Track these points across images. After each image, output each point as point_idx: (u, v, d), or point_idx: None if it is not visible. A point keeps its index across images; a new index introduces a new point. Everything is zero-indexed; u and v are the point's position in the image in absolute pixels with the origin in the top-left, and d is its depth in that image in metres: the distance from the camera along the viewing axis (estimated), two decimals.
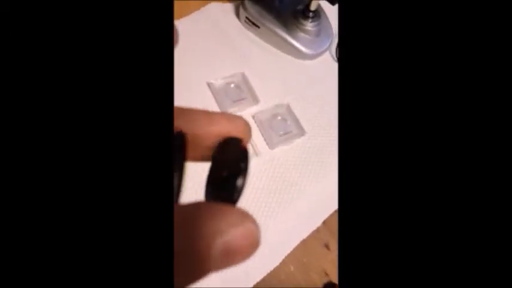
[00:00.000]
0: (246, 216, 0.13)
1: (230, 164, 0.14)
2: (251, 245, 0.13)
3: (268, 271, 0.43)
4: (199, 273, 0.12)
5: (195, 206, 0.12)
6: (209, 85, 0.52)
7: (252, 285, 0.42)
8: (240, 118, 0.16)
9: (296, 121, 0.51)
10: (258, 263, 0.44)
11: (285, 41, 0.56)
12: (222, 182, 0.14)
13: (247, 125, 0.16)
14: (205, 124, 0.15)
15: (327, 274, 0.47)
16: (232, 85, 0.52)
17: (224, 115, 0.16)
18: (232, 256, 0.12)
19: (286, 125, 0.51)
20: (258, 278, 0.43)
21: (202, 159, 0.16)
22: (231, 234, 0.12)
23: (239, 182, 0.14)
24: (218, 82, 0.52)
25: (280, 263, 0.45)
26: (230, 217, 0.12)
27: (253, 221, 0.13)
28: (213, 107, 0.51)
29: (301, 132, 0.50)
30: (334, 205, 0.48)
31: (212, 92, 0.52)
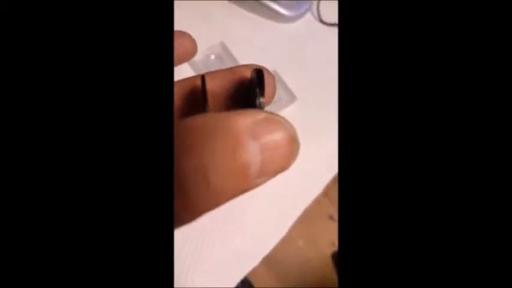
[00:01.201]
0: (272, 113, 0.10)
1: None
2: (290, 142, 0.10)
3: (275, 243, 0.42)
4: (239, 178, 0.10)
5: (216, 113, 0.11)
6: (188, 62, 0.48)
7: (260, 259, 0.41)
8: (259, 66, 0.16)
9: (285, 87, 0.48)
10: (264, 237, 0.42)
11: (263, 4, 0.52)
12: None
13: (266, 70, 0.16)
14: (224, 76, 0.16)
15: (334, 244, 0.46)
16: (212, 56, 0.49)
17: (243, 65, 0.16)
18: (272, 155, 0.10)
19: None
20: (265, 252, 0.41)
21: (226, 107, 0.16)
22: (263, 130, 0.10)
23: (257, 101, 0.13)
24: (197, 56, 0.48)
25: (289, 239, 0.43)
26: (256, 113, 0.10)
27: (283, 118, 0.10)
28: None
29: (292, 98, 0.47)
30: (332, 171, 0.46)
31: (193, 68, 0.48)
